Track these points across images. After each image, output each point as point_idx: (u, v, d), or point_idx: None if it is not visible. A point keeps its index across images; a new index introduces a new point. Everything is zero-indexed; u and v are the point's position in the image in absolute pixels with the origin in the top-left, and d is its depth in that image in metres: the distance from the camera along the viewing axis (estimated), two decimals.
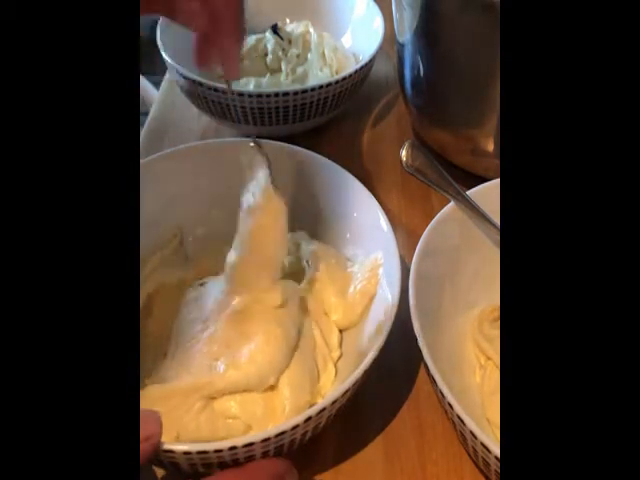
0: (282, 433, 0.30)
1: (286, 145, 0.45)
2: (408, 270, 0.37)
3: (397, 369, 0.41)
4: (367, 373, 0.33)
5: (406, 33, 0.49)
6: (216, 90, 0.50)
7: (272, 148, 0.44)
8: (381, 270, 0.40)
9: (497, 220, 0.40)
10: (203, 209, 0.45)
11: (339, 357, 0.40)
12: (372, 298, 0.40)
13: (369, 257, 0.41)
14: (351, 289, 0.41)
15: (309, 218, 0.45)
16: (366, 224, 0.42)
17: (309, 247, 0.43)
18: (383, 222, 0.40)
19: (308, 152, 0.45)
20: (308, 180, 0.44)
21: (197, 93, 0.52)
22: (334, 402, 0.31)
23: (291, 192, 0.44)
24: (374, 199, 0.41)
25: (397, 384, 0.40)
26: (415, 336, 0.33)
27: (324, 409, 0.31)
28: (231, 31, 0.37)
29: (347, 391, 0.32)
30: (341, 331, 0.41)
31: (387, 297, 0.37)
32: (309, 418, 0.30)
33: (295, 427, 0.30)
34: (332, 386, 0.38)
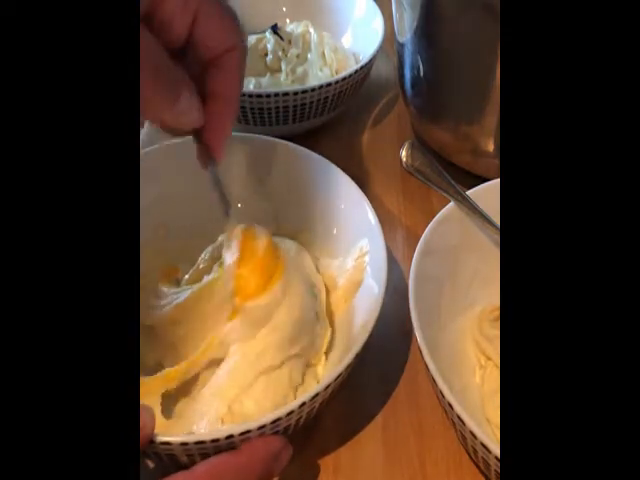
0: (277, 420, 0.30)
1: (271, 139, 0.44)
2: (403, 267, 0.36)
3: (397, 369, 0.41)
4: (359, 356, 0.33)
5: (406, 33, 0.49)
6: None
7: (253, 143, 0.44)
8: (367, 258, 0.40)
9: (497, 220, 0.40)
10: (185, 207, 0.44)
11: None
12: (358, 286, 0.40)
13: (355, 246, 0.41)
14: (335, 280, 0.41)
15: (294, 214, 0.45)
16: (353, 217, 0.42)
17: None
18: (369, 213, 0.40)
19: (293, 145, 0.44)
20: (293, 174, 0.44)
21: None
22: (327, 387, 0.32)
23: (276, 187, 0.45)
24: (359, 189, 0.41)
25: (397, 384, 0.40)
26: (415, 335, 0.33)
27: (317, 394, 0.31)
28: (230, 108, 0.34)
29: (340, 375, 0.32)
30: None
31: (373, 285, 0.38)
32: (303, 403, 0.31)
33: (290, 413, 0.31)
34: (323, 367, 0.38)
